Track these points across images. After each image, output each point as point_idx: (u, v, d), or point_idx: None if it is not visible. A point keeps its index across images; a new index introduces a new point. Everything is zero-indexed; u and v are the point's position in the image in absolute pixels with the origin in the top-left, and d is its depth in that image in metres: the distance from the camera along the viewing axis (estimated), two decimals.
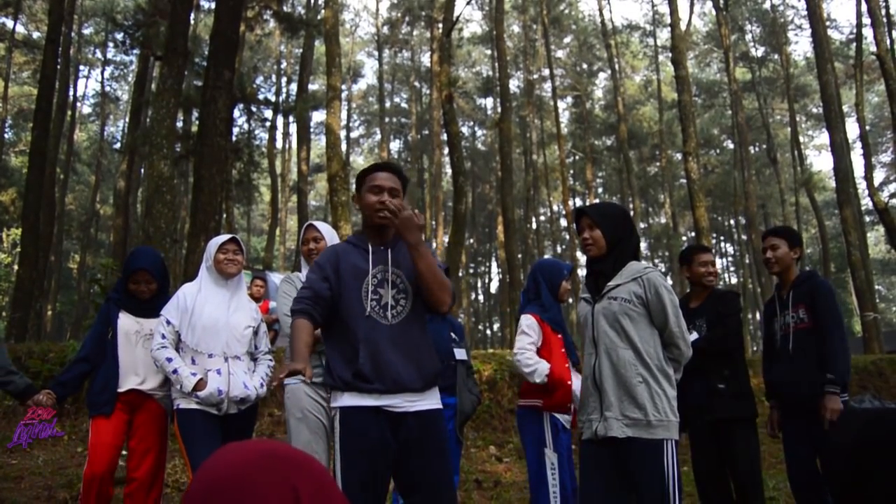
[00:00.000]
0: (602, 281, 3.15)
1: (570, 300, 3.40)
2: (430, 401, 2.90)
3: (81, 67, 34.88)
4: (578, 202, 44.26)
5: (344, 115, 39.43)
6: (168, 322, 3.84)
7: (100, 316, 4.16)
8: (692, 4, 29.27)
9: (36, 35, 29.08)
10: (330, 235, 4.06)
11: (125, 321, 4.04)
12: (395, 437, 2.78)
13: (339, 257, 2.94)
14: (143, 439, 3.94)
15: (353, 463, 2.73)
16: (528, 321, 4.16)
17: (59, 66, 17.27)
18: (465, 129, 43.37)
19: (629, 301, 3.03)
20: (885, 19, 18.67)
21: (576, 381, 4.04)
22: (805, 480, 3.95)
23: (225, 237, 4.08)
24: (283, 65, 38.86)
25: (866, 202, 28.74)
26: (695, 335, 4.29)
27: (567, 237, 35.94)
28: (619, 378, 3.00)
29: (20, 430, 3.51)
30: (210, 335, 3.80)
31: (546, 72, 37.49)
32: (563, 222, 38.15)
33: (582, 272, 18.05)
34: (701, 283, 4.45)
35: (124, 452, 4.18)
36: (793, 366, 3.99)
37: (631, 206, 35.02)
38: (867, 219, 35.50)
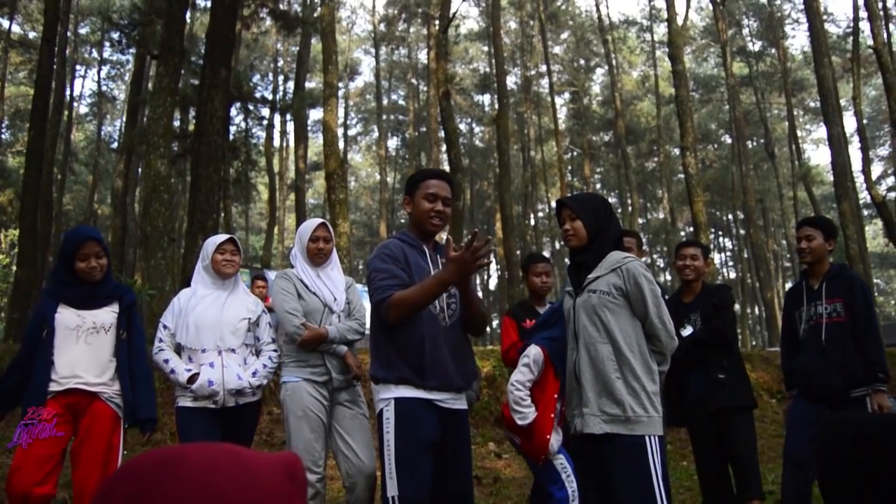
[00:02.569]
0: (583, 273, 3.10)
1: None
2: (464, 401, 3.10)
3: (78, 67, 34.74)
4: None
5: (341, 112, 39.40)
6: (165, 326, 3.88)
7: (34, 315, 3.68)
8: None
9: (32, 35, 28.96)
10: (333, 241, 4.09)
11: (65, 315, 3.58)
12: (442, 430, 2.92)
13: (405, 253, 3.04)
14: (87, 443, 3.51)
15: (410, 452, 2.83)
16: (537, 355, 3.86)
17: (55, 66, 17.22)
18: (462, 126, 43.26)
19: (608, 293, 2.97)
20: (881, 13, 18.65)
21: (555, 437, 3.98)
22: (802, 460, 3.97)
23: (222, 237, 4.05)
24: (280, 63, 38.78)
25: (864, 196, 28.66)
26: (689, 329, 4.32)
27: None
28: (598, 373, 2.94)
29: (20, 430, 3.49)
30: (202, 330, 3.79)
31: (543, 68, 37.41)
32: (556, 217, 38.01)
33: None
34: (685, 278, 4.46)
35: (124, 452, 4.11)
36: (825, 357, 4.00)
37: (629, 201, 35.02)
38: (865, 212, 35.46)
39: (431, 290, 2.81)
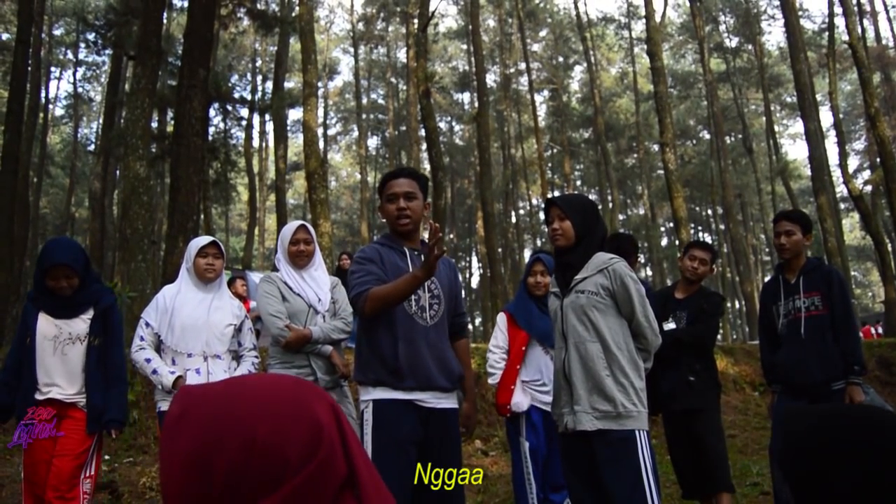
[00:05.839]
0: (570, 274, 3.15)
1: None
2: (451, 400, 3.10)
3: (53, 69, 34.29)
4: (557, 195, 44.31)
5: (321, 112, 39.25)
6: (147, 324, 3.81)
7: (21, 322, 3.74)
8: None
9: (5, 37, 28.55)
10: (316, 242, 4.07)
11: (42, 325, 3.61)
12: (423, 430, 2.93)
13: (381, 255, 3.09)
14: (63, 444, 3.52)
15: (386, 453, 2.84)
16: (500, 318, 4.38)
17: (29, 68, 16.99)
18: (442, 125, 43.33)
19: (596, 293, 3.03)
20: (856, 8, 18.85)
21: (518, 396, 4.13)
22: None
23: (205, 240, 4.00)
24: (259, 63, 38.57)
25: (841, 189, 29.06)
26: (672, 325, 4.38)
27: (546, 230, 36.03)
28: (588, 371, 2.99)
29: (20, 431, 3.45)
30: (189, 334, 3.75)
31: (522, 65, 37.50)
32: (543, 216, 38.16)
33: None
34: (685, 276, 4.51)
35: (107, 457, 4.07)
36: (805, 350, 4.02)
37: (609, 197, 35.17)
38: (842, 206, 35.94)
39: (403, 286, 2.87)
